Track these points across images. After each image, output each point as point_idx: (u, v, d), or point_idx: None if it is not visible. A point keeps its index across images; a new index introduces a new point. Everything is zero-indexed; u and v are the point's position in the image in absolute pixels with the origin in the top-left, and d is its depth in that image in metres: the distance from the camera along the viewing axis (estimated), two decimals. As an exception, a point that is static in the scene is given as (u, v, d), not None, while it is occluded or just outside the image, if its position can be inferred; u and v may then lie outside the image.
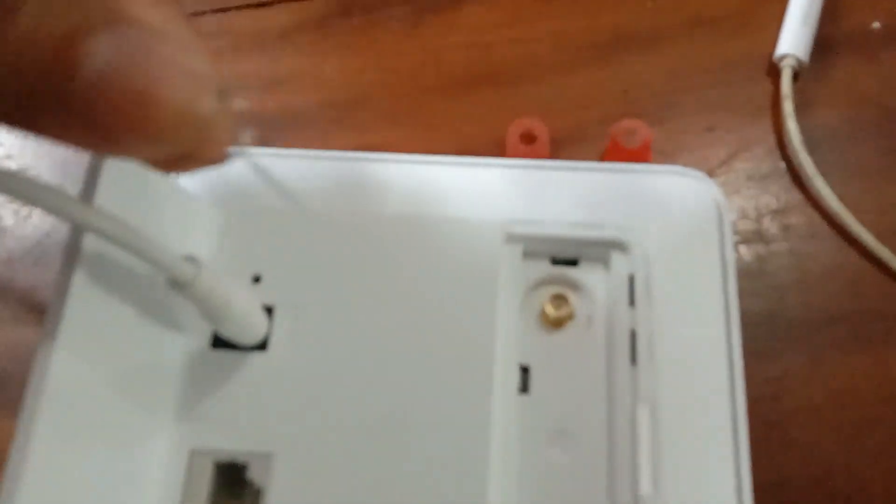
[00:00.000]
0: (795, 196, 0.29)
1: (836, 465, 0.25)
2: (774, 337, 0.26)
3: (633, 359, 0.22)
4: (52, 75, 0.11)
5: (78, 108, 0.11)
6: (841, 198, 0.28)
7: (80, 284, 0.18)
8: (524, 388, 0.23)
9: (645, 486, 0.20)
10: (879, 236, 0.27)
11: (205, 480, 0.20)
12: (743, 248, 0.28)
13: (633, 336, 0.23)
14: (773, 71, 0.31)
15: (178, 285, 0.18)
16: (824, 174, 0.28)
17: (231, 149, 0.15)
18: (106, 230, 0.16)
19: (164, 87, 0.12)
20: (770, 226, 0.28)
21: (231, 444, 0.21)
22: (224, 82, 0.14)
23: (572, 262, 0.24)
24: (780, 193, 0.29)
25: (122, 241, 0.16)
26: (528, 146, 0.28)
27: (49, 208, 0.15)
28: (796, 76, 0.30)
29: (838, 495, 0.24)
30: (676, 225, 0.24)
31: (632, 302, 0.23)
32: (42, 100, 0.11)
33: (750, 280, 0.27)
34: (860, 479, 0.25)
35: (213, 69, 0.13)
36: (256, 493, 0.20)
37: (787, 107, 0.29)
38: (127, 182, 0.19)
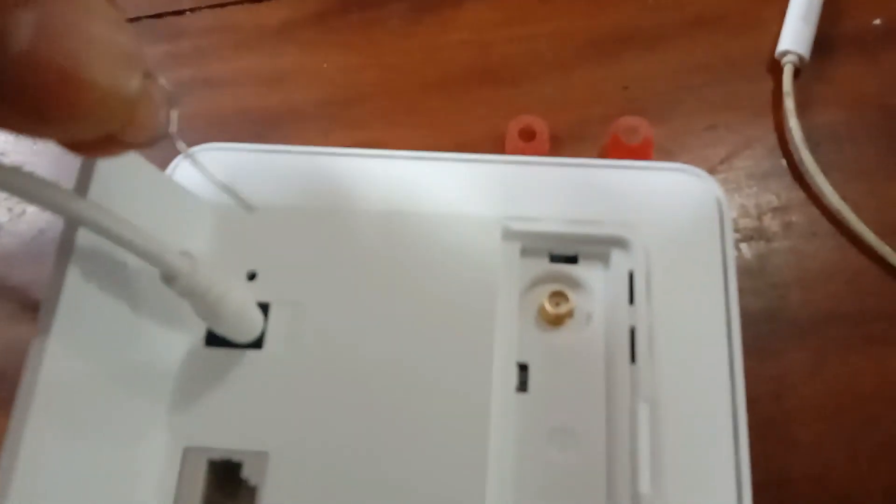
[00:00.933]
0: (796, 194, 0.28)
1: (836, 465, 0.25)
2: (775, 335, 0.26)
3: (633, 357, 0.22)
4: None
5: (2, 87, 0.11)
6: (842, 196, 0.27)
7: (74, 280, 0.18)
8: (523, 386, 0.22)
9: (644, 485, 0.20)
10: (880, 234, 0.27)
11: (199, 478, 0.20)
12: (744, 246, 0.27)
13: (632, 334, 0.22)
14: (775, 69, 0.30)
15: (172, 280, 0.18)
16: (825, 172, 0.28)
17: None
18: (100, 224, 0.16)
19: (89, 65, 0.11)
20: (771, 223, 0.28)
21: (226, 443, 0.20)
22: (148, 63, 0.13)
23: (571, 260, 0.24)
24: (780, 191, 0.28)
25: (117, 235, 0.16)
26: (528, 143, 0.27)
27: (43, 202, 0.15)
28: (797, 73, 0.30)
29: (838, 495, 0.24)
30: (677, 222, 0.24)
31: (631, 299, 0.23)
32: None
33: (750, 278, 0.27)
34: (861, 478, 0.24)
35: (139, 47, 0.13)
36: (251, 492, 0.20)
37: (789, 104, 0.29)
38: (121, 177, 0.19)
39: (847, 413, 0.25)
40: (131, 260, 0.19)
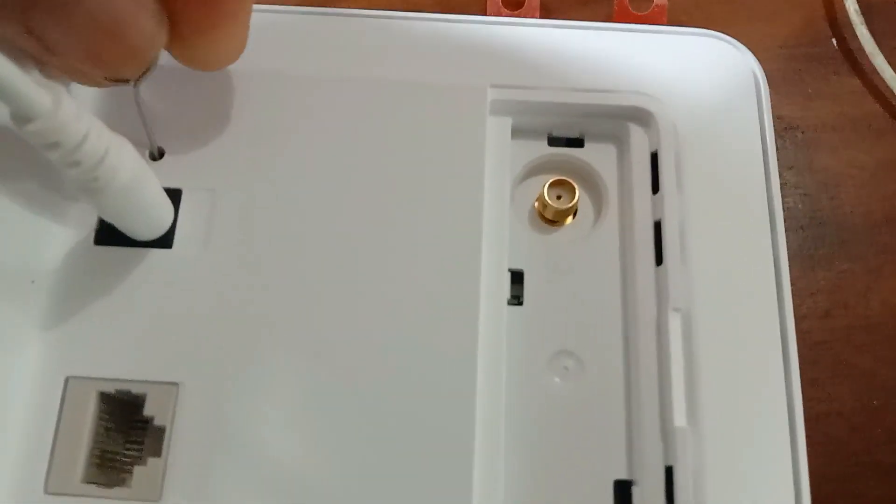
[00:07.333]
0: (848, 78, 0.24)
1: (894, 396, 0.21)
2: (823, 242, 0.22)
3: (659, 258, 0.17)
4: None
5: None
6: (904, 81, 0.23)
7: None
8: (517, 299, 0.18)
9: (679, 417, 0.16)
10: (951, 123, 0.22)
11: (86, 416, 0.15)
12: (785, 137, 0.23)
13: (657, 230, 0.18)
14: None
15: (28, 123, 0.12)
16: (884, 52, 0.23)
17: None
18: None
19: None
20: (819, 113, 0.23)
21: (122, 371, 0.15)
22: None
23: (576, 143, 0.19)
24: (829, 75, 0.24)
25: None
26: (514, 11, 0.23)
27: None
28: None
29: (896, 431, 0.20)
30: (707, 97, 0.19)
31: (655, 188, 0.18)
32: None
33: (794, 174, 0.23)
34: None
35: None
36: (158, 433, 0.15)
37: (839, -34, 0.24)
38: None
39: (908, 335, 0.21)
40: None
